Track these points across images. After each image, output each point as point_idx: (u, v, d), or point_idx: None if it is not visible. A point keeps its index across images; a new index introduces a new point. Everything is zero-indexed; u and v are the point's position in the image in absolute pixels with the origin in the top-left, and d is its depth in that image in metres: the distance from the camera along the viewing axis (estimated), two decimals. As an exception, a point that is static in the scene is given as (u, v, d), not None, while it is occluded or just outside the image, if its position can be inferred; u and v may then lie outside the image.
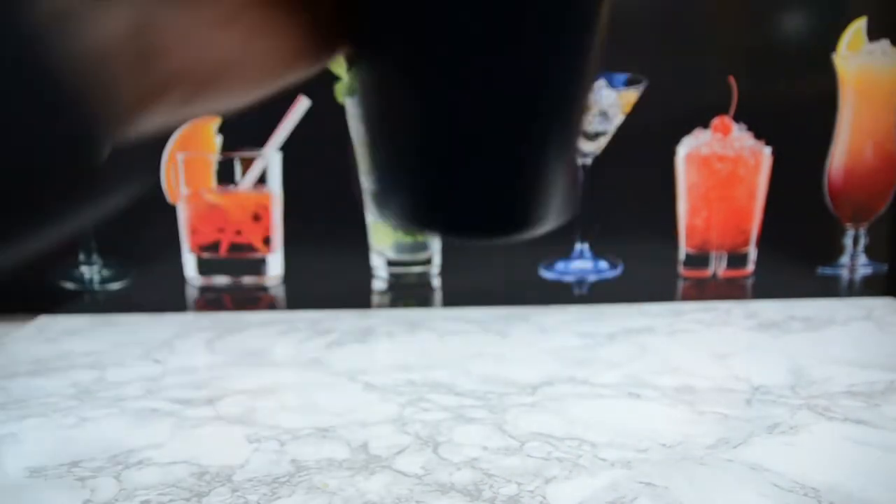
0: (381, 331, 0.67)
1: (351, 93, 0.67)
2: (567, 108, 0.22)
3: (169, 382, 0.55)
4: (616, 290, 0.73)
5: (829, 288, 0.75)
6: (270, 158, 0.70)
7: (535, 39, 0.20)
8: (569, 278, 0.74)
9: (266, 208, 0.71)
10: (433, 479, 0.41)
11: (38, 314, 0.72)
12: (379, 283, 0.74)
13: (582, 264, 0.73)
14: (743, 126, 0.70)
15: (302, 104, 0.68)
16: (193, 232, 0.71)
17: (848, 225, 0.74)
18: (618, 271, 0.74)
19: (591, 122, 0.69)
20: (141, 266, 0.72)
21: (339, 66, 0.67)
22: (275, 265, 0.73)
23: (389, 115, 0.22)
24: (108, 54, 0.15)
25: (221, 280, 0.73)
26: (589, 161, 0.71)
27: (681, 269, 0.75)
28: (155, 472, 0.42)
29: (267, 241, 0.72)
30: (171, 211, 0.71)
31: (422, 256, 0.73)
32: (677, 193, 0.72)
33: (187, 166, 0.69)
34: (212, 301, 0.73)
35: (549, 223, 0.23)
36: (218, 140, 0.69)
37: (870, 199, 0.73)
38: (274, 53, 0.18)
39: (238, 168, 0.70)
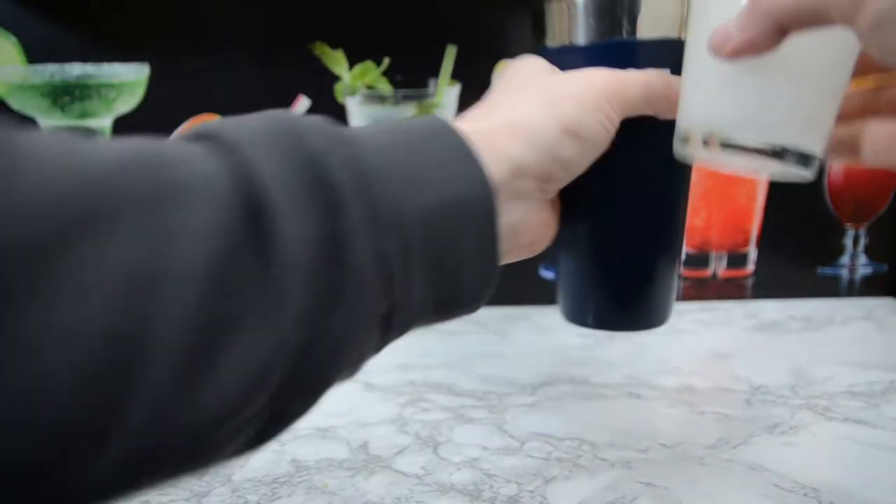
0: (381, 331, 0.67)
1: (351, 92, 0.67)
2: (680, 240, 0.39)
3: (169, 382, 0.55)
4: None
5: (829, 288, 0.75)
6: (270, 158, 0.70)
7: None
8: (569, 278, 0.74)
9: (266, 208, 0.71)
10: (433, 480, 0.41)
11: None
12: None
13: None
14: (743, 126, 0.70)
15: (302, 104, 0.68)
16: (193, 232, 0.71)
17: (848, 225, 0.74)
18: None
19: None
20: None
21: (339, 66, 0.67)
22: (275, 265, 0.73)
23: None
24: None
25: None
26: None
27: (681, 269, 0.75)
28: (155, 472, 0.42)
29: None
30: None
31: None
32: (677, 193, 0.72)
33: (187, 166, 0.69)
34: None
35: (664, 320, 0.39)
36: (218, 140, 0.69)
37: (870, 199, 0.73)
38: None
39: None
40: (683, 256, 0.75)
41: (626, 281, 0.39)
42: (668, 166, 0.36)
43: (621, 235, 0.38)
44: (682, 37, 0.36)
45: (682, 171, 0.38)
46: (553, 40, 0.40)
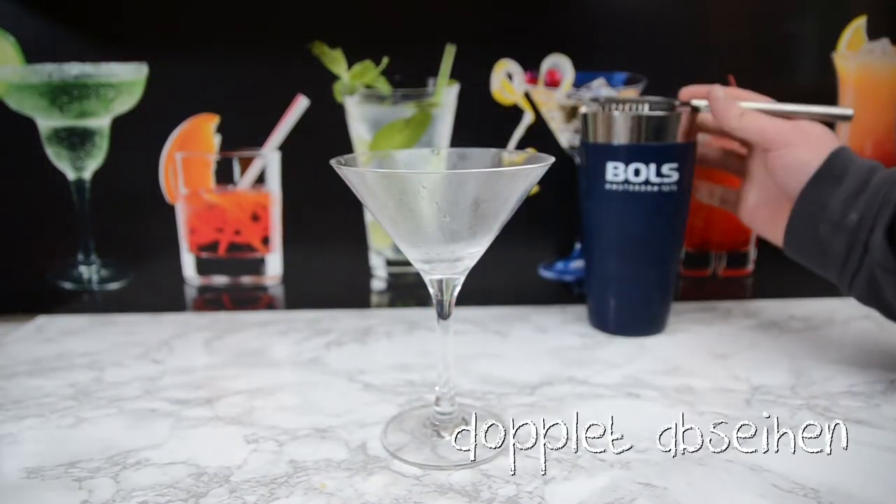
0: (379, 331, 0.66)
1: (350, 92, 0.67)
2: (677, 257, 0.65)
3: (167, 382, 0.55)
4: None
5: (829, 288, 0.75)
6: (269, 158, 0.70)
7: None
8: (568, 278, 0.74)
9: (265, 208, 0.71)
10: (431, 480, 0.40)
11: (36, 314, 0.72)
12: (378, 282, 0.74)
13: (581, 264, 0.73)
14: (743, 125, 0.70)
15: (301, 103, 0.68)
16: (192, 232, 0.71)
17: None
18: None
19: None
20: (140, 266, 0.72)
21: (338, 65, 0.67)
22: (273, 265, 0.73)
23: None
24: None
25: (220, 280, 0.73)
26: (588, 161, 0.71)
27: (680, 269, 0.75)
28: (153, 472, 0.42)
29: (266, 240, 0.72)
30: (169, 211, 0.71)
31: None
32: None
33: (186, 166, 0.69)
34: (210, 301, 0.73)
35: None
36: (216, 139, 0.69)
37: (870, 198, 0.73)
38: None
39: (237, 168, 0.70)
40: (683, 256, 0.74)
41: (639, 302, 0.64)
42: (671, 234, 0.62)
43: (635, 275, 0.62)
44: (688, 140, 0.59)
45: (679, 235, 0.63)
46: (592, 139, 0.60)
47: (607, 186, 0.60)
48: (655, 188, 0.59)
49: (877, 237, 0.49)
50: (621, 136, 0.59)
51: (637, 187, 0.59)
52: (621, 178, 0.59)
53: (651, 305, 0.64)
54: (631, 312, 0.64)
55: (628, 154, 0.59)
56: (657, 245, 0.62)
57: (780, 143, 0.54)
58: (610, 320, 0.64)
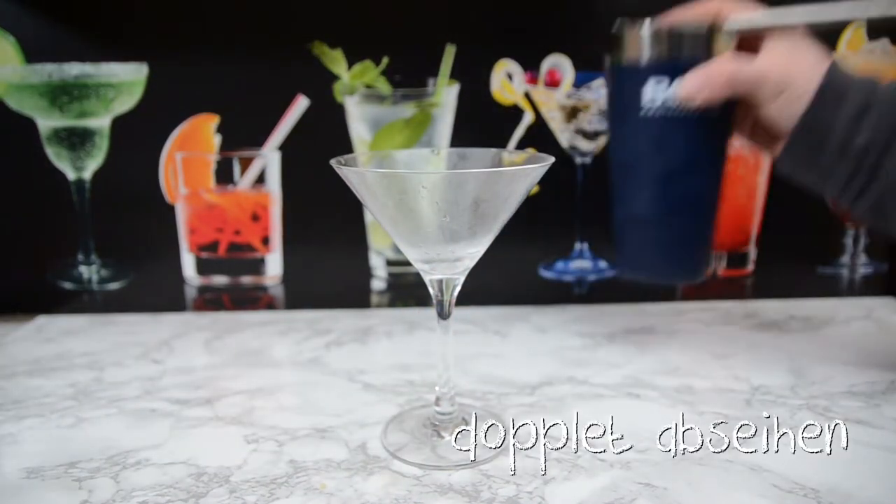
0: (379, 331, 0.66)
1: (350, 92, 0.67)
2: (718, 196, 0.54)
3: (167, 383, 0.55)
4: (616, 290, 0.73)
5: (829, 288, 0.75)
6: (269, 158, 0.69)
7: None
8: (568, 278, 0.74)
9: (265, 208, 0.71)
10: (431, 480, 0.40)
11: (36, 314, 0.72)
12: (378, 282, 0.74)
13: (581, 264, 0.73)
14: (743, 125, 0.70)
15: (301, 103, 0.68)
16: (192, 232, 0.71)
17: (848, 225, 0.74)
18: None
19: (591, 121, 0.69)
20: (140, 266, 0.72)
21: (338, 65, 0.67)
22: (274, 265, 0.73)
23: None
24: None
25: (220, 280, 0.73)
26: (588, 160, 0.70)
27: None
28: (153, 472, 0.42)
29: (266, 240, 0.72)
30: (169, 211, 0.71)
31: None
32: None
33: (186, 166, 0.69)
34: (210, 301, 0.73)
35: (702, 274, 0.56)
36: (217, 139, 0.69)
37: (870, 198, 0.73)
38: None
39: (237, 168, 0.70)
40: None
41: (677, 243, 0.54)
42: (712, 165, 0.53)
43: (673, 211, 0.53)
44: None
45: (722, 158, 0.53)
46: (625, 61, 0.53)
47: (643, 113, 0.52)
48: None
49: (892, 162, 0.45)
50: (657, 54, 0.51)
51: (676, 111, 0.51)
52: (659, 100, 0.52)
53: (688, 246, 0.54)
54: (666, 254, 0.54)
55: (670, 72, 0.50)
56: (697, 176, 0.53)
57: (780, 84, 0.48)
58: (644, 264, 0.55)
